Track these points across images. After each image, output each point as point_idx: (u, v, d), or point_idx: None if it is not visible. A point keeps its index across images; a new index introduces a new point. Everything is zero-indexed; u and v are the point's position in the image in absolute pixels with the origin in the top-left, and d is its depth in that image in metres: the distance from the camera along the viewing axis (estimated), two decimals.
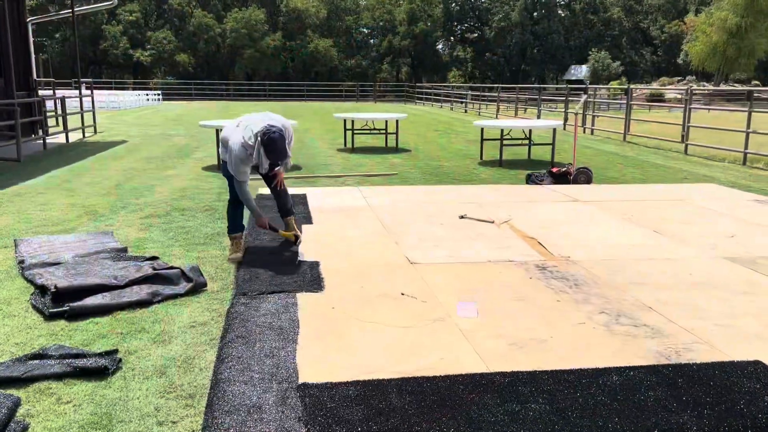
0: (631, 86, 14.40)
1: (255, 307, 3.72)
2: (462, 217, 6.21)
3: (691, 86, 11.52)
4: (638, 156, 11.94)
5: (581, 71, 65.68)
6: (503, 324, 3.48)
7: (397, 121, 12.37)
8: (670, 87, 15.08)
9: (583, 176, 8.54)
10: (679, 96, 37.96)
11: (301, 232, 5.39)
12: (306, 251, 4.96)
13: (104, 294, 3.88)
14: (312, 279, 4.25)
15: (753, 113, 10.62)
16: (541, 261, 4.73)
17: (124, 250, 4.99)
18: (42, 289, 3.98)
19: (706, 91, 33.38)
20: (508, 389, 2.71)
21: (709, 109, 17.03)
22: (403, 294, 3.96)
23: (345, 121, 13.05)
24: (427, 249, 5.04)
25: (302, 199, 7.09)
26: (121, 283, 4.01)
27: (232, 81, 48.71)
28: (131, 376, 2.96)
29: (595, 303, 3.83)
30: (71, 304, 3.70)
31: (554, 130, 10.69)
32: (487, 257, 4.81)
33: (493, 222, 6.03)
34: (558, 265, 4.63)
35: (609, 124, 16.88)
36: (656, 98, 34.47)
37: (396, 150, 12.33)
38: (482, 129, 11.10)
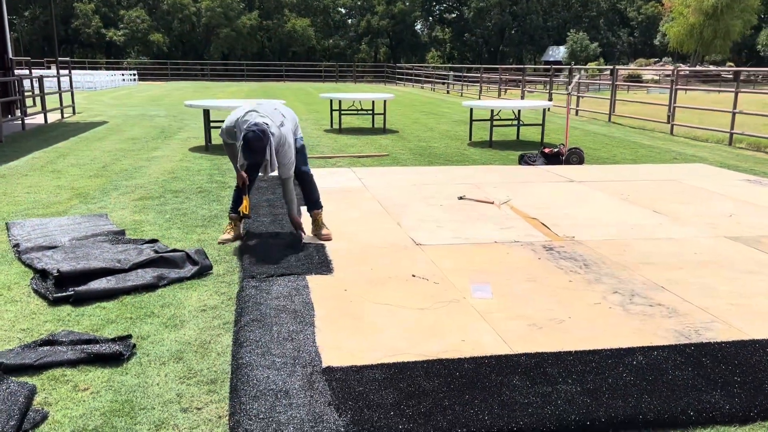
0: (617, 67, 14.42)
1: (266, 290, 3.65)
2: (461, 198, 6.18)
3: (678, 66, 11.54)
4: (625, 136, 12.00)
5: (559, 52, 65.81)
6: (519, 305, 3.46)
7: (384, 101, 12.26)
8: (655, 68, 15.11)
9: (576, 157, 8.55)
10: (657, 77, 38.30)
11: (300, 215, 5.23)
12: (309, 233, 4.88)
13: (108, 278, 3.78)
14: (320, 261, 4.18)
15: (736, 94, 10.70)
16: (547, 241, 4.71)
17: (122, 232, 4.87)
18: (43, 274, 3.86)
19: (690, 72, 33.66)
20: (535, 370, 2.69)
21: (694, 89, 17.21)
22: (414, 276, 3.91)
23: (331, 101, 12.89)
24: (430, 230, 5.00)
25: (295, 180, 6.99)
26: (125, 267, 3.91)
27: (208, 61, 47.91)
28: (147, 362, 2.88)
29: (607, 283, 3.83)
30: (76, 289, 3.60)
31: (544, 110, 10.68)
32: (492, 238, 4.79)
33: (492, 203, 6.01)
34: (564, 245, 4.62)
35: (593, 105, 16.95)
36: (634, 79, 34.69)
37: (384, 131, 12.24)
38: (471, 110, 11.05)
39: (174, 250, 4.24)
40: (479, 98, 23.17)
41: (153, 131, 11.82)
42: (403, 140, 11.00)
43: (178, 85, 32.93)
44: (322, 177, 7.21)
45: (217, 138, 10.47)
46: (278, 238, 4.74)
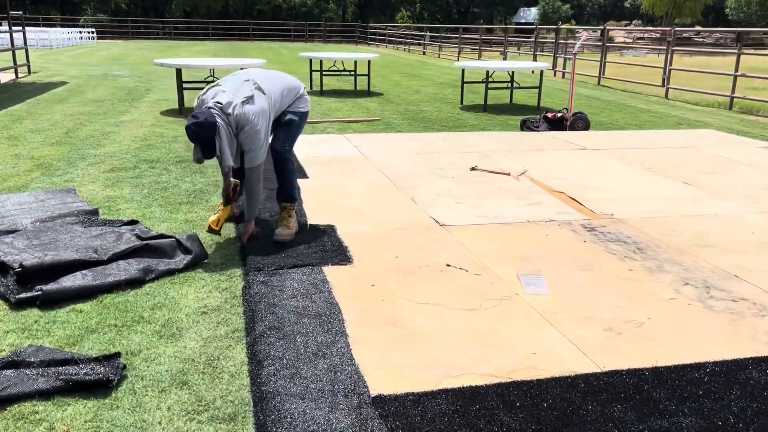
0: (608, 27, 13.86)
1: (278, 287, 3.03)
2: (473, 168, 5.60)
3: (674, 28, 11.04)
4: (619, 100, 11.51)
5: (531, 14, 64.96)
6: (583, 302, 2.92)
7: (369, 62, 11.51)
8: (648, 28, 14.59)
9: (581, 122, 8.02)
10: (630, 40, 37.87)
11: (298, 188, 4.50)
12: (312, 212, 4.26)
13: (84, 272, 3.11)
14: (334, 248, 3.57)
15: (738, 56, 10.25)
16: (585, 220, 4.18)
17: (95, 212, 4.17)
18: (1, 267, 3.18)
19: (675, 35, 33.28)
20: (637, 394, 2.16)
21: (692, 52, 16.76)
22: (449, 265, 3.34)
23: (311, 60, 12.09)
24: (449, 206, 4.42)
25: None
26: (103, 258, 3.24)
27: (169, 19, 45.82)
28: (142, 389, 2.27)
29: (672, 271, 3.31)
30: (44, 287, 2.93)
31: (541, 72, 10.09)
32: (522, 216, 4.23)
33: (509, 174, 5.44)
34: (606, 224, 4.09)
35: (580, 67, 16.40)
36: (607, 41, 34.22)
37: (368, 94, 11.52)
38: (463, 71, 10.40)
39: (161, 236, 3.57)
40: (458, 59, 22.46)
41: (119, 93, 10.89)
42: (391, 104, 10.32)
43: (140, 44, 31.35)
44: (313, 144, 6.54)
45: (191, 101, 9.65)
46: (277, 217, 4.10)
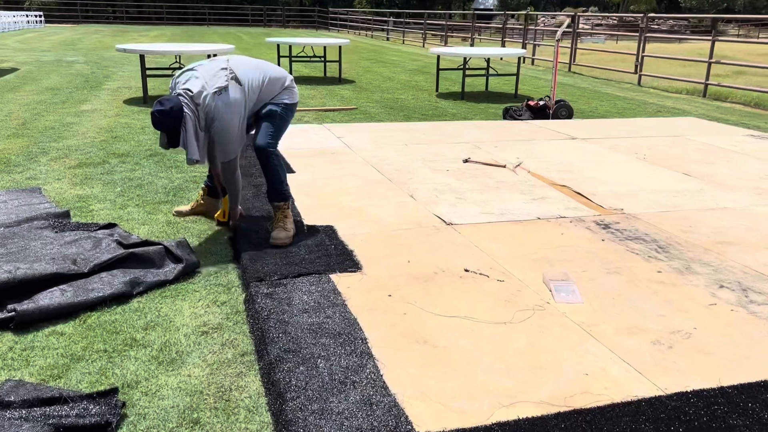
0: (579, 14, 13.76)
1: (285, 300, 2.72)
2: (466, 160, 5.34)
3: (647, 15, 10.97)
4: (594, 87, 11.42)
5: (489, 0, 65.05)
6: (621, 310, 2.70)
7: (340, 48, 11.13)
8: (615, 15, 14.53)
9: (564, 110, 7.85)
10: (588, 27, 38.14)
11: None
12: (306, 211, 3.94)
13: (63, 287, 2.74)
14: (338, 252, 3.27)
15: (713, 43, 10.24)
16: (596, 216, 3.97)
17: (66, 214, 3.76)
18: None
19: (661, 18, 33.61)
20: (713, 422, 1.94)
21: (667, 37, 16.80)
22: (467, 270, 3.07)
23: (278, 46, 11.64)
24: (452, 203, 4.15)
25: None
26: (83, 270, 2.87)
27: (120, 3, 44.20)
28: None
29: (703, 273, 3.12)
30: (18, 307, 2.56)
31: (519, 59, 9.89)
32: (531, 212, 4.00)
33: (504, 166, 5.20)
34: (619, 221, 3.89)
35: (549, 54, 16.33)
36: (569, 28, 34.39)
37: (340, 81, 11.15)
38: (438, 57, 10.12)
39: (146, 242, 3.21)
40: (423, 46, 22.20)
41: (75, 80, 10.27)
42: (365, 91, 9.98)
43: (91, 29, 30.12)
44: (293, 136, 6.19)
45: (156, 88, 9.14)
46: (271, 219, 3.77)
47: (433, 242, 3.45)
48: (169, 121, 3.02)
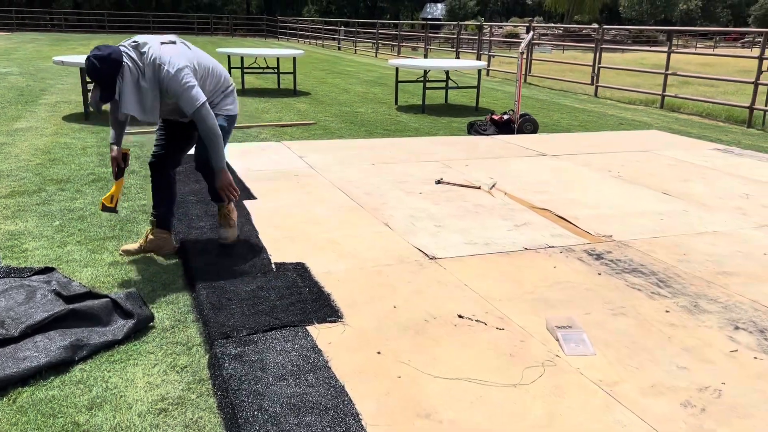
0: (534, 24, 13.73)
1: (258, 363, 2.33)
2: (439, 182, 5.03)
3: (603, 26, 10.96)
4: (551, 99, 11.34)
5: (437, 9, 65.59)
6: (638, 363, 2.41)
7: (294, 59, 10.72)
8: (583, 26, 14.56)
9: (529, 124, 7.65)
10: (536, 37, 38.59)
11: (237, 213, 3.91)
12: (272, 245, 3.55)
13: None
14: (315, 297, 2.89)
15: (669, 54, 10.28)
16: (586, 245, 3.70)
17: None
18: None
19: (614, 30, 34.20)
20: None
21: (623, 49, 16.97)
22: (461, 317, 2.74)
23: (229, 57, 11.15)
24: (432, 232, 3.83)
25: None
26: (13, 334, 2.41)
27: (58, 10, 42.50)
28: None
29: (712, 311, 2.87)
30: None
31: (479, 71, 9.69)
32: (517, 242, 3.70)
33: (479, 188, 4.92)
34: (611, 250, 3.63)
35: (502, 65, 16.29)
36: (513, 37, 34.75)
37: (295, 93, 10.74)
38: (397, 69, 9.83)
39: (89, 294, 2.76)
40: (375, 56, 21.98)
41: (9, 94, 9.55)
42: (322, 104, 9.60)
43: (27, 37, 28.74)
44: (251, 155, 5.77)
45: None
46: (233, 257, 3.36)
47: (419, 281, 3.11)
48: (105, 68, 2.79)
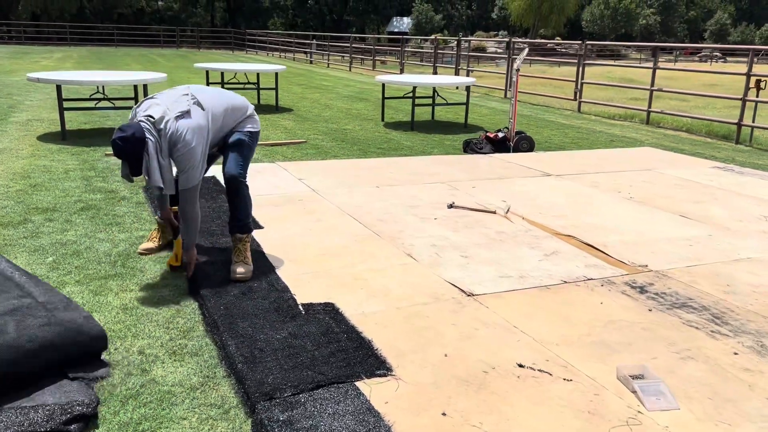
0: (514, 39, 13.71)
1: (310, 431, 2.05)
2: (451, 206, 4.81)
3: (586, 41, 10.94)
4: (536, 115, 11.27)
5: (404, 23, 65.92)
6: (728, 417, 2.20)
7: (276, 74, 10.43)
8: (557, 41, 14.55)
9: (525, 142, 7.51)
10: (500, 50, 39.10)
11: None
12: (293, 282, 3.27)
13: None
14: (355, 345, 2.62)
15: (654, 70, 10.30)
16: (625, 276, 3.51)
17: None
18: None
19: (595, 46, 34.52)
20: None
21: (602, 64, 17.12)
22: (522, 366, 2.50)
23: (207, 73, 10.81)
24: (460, 264, 3.59)
25: (213, 182, 5.21)
26: None
27: (17, 22, 41.32)
28: None
29: None
30: None
31: (468, 88, 9.55)
32: (553, 274, 3.49)
33: (494, 212, 4.71)
34: (652, 281, 3.45)
35: (481, 79, 16.24)
36: (480, 51, 34.99)
37: (277, 109, 10.44)
38: (383, 85, 9.63)
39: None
40: (350, 70, 21.81)
41: None
42: (308, 121, 9.33)
43: None
44: (248, 177, 5.46)
45: (73, 121, 8.10)
46: (254, 297, 3.07)
47: (463, 323, 2.86)
48: (131, 148, 2.89)
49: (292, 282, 3.26)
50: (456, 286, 3.28)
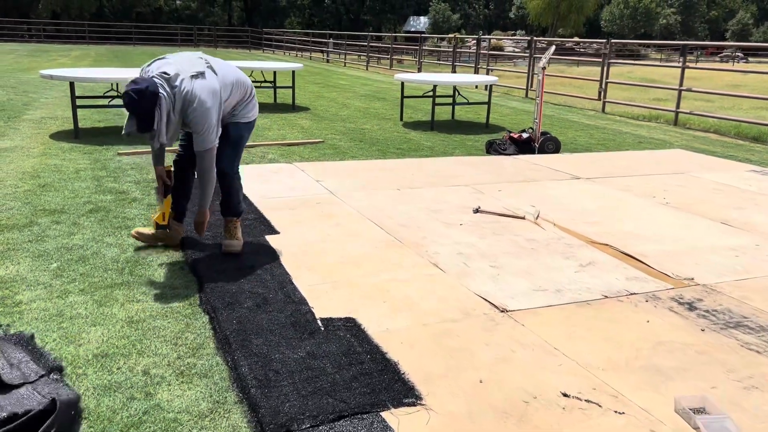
0: (536, 38, 13.40)
1: None
2: (477, 210, 4.55)
3: (611, 40, 10.62)
4: (559, 115, 10.96)
5: (420, 22, 65.60)
6: None
7: (293, 72, 10.22)
8: (576, 39, 14.26)
9: (552, 144, 7.23)
10: (518, 49, 38.69)
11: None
12: (311, 293, 3.04)
13: None
14: (380, 368, 2.38)
15: (683, 69, 9.95)
16: (670, 290, 3.23)
17: None
18: None
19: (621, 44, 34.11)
20: None
21: (632, 63, 16.72)
22: (566, 396, 2.25)
23: None
24: (490, 275, 3.34)
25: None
26: None
27: (37, 20, 41.54)
28: None
29: None
30: None
31: (490, 87, 9.28)
32: (592, 287, 3.23)
33: (523, 218, 4.44)
34: (701, 297, 3.17)
35: (501, 79, 15.94)
36: (497, 50, 34.58)
37: (294, 108, 10.23)
38: (403, 84, 9.38)
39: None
40: (366, 68, 21.59)
41: None
42: (325, 120, 9.10)
43: (5, 48, 27.90)
44: (263, 178, 5.25)
45: (87, 119, 7.94)
46: (269, 310, 2.84)
47: (497, 343, 2.61)
48: (144, 102, 2.85)
49: (310, 293, 3.03)
50: (487, 301, 3.02)
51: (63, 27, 40.79)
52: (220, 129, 3.19)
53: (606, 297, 3.12)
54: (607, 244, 3.93)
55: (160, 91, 2.90)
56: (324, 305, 2.91)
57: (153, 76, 2.96)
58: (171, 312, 2.87)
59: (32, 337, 2.50)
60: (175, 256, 3.53)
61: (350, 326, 2.71)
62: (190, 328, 2.72)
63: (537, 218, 4.44)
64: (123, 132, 2.96)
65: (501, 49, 36.30)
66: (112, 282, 3.17)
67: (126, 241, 3.75)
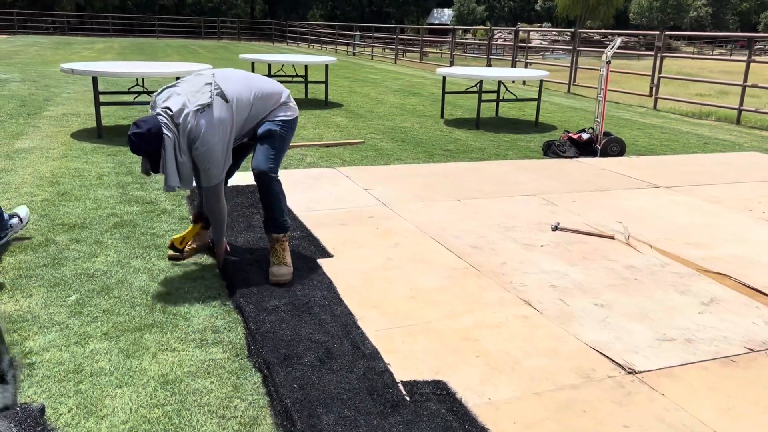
0: (580, 30, 12.67)
1: None
2: (556, 228, 3.94)
3: (665, 32, 9.87)
4: (608, 112, 10.24)
5: (444, 15, 64.71)
6: None
7: (326, 66, 9.64)
8: (646, 32, 13.46)
9: (616, 146, 6.57)
10: (545, 43, 37.72)
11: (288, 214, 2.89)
12: (382, 340, 2.46)
13: None
14: None
15: (748, 64, 9.21)
16: None
17: None
18: None
19: (681, 36, 33.13)
20: None
21: (692, 57, 15.95)
22: None
23: (253, 64, 10.09)
24: (599, 319, 2.73)
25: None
26: None
27: (60, 12, 41.39)
28: None
29: None
30: None
31: (541, 82, 8.62)
32: (729, 337, 2.61)
33: (612, 237, 3.82)
34: None
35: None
36: (524, 43, 33.62)
37: (326, 105, 9.65)
38: (444, 79, 8.75)
39: None
40: (395, 62, 20.97)
41: (9, 104, 8.45)
42: (361, 118, 8.51)
43: (29, 40, 27.67)
44: (305, 185, 4.68)
45: (111, 116, 7.45)
46: (336, 368, 2.27)
47: (637, 423, 2.00)
48: (147, 145, 2.71)
49: (382, 342, 2.45)
50: (607, 357, 2.42)
51: (86, 19, 40.64)
52: (230, 160, 2.95)
53: (751, 351, 2.50)
54: (722, 274, 3.30)
55: (164, 131, 2.73)
56: (402, 361, 2.33)
57: (157, 113, 2.80)
58: (214, 367, 2.31)
59: (42, 410, 1.95)
60: (215, 285, 2.98)
61: (442, 395, 2.12)
62: (240, 392, 2.16)
63: (628, 238, 3.82)
64: (141, 170, 2.90)
65: (529, 42, 35.44)
66: (140, 323, 2.62)
67: (156, 265, 3.20)
